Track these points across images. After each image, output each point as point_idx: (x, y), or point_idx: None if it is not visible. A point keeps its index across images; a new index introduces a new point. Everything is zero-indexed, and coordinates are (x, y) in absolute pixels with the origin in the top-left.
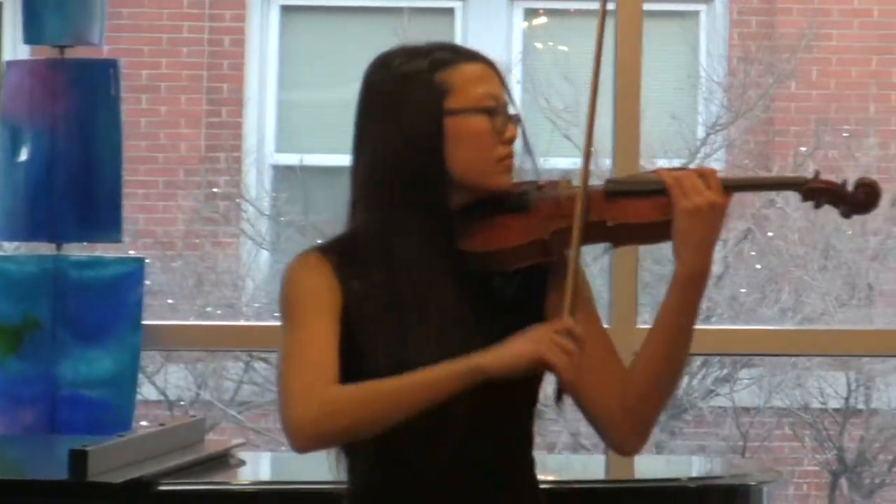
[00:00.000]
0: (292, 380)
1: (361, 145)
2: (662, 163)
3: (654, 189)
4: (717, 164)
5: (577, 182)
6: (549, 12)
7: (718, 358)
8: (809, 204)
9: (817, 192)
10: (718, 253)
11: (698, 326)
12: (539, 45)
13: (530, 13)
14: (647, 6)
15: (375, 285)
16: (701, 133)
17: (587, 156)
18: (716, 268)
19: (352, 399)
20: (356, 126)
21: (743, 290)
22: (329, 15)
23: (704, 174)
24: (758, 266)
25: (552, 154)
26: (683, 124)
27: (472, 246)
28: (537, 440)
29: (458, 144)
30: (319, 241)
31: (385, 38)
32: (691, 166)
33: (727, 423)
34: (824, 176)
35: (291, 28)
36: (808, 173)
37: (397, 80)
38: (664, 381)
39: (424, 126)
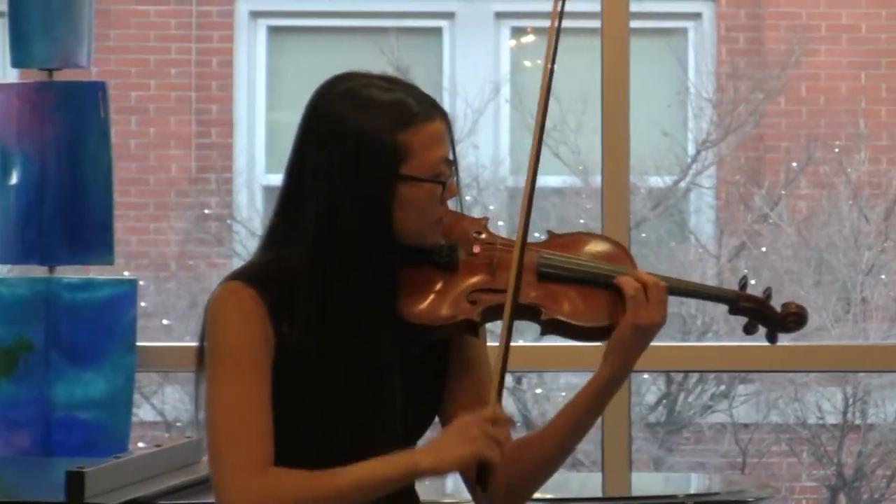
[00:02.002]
0: (228, 456)
1: (304, 179)
2: (654, 180)
3: (595, 281)
4: (709, 180)
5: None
6: (537, 30)
7: (715, 374)
8: (798, 228)
9: (745, 309)
10: (713, 269)
11: (697, 343)
12: (527, 63)
13: (518, 31)
14: (634, 24)
15: (307, 337)
16: (691, 149)
17: (524, 228)
18: (711, 284)
19: (293, 492)
20: (301, 152)
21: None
22: (316, 35)
23: (660, 288)
24: (752, 282)
25: (542, 172)
26: (674, 141)
27: (401, 311)
28: None
29: (406, 209)
30: (245, 268)
31: (372, 58)
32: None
33: (726, 439)
34: (753, 290)
35: (279, 48)
36: (825, 241)
37: (358, 132)
38: (553, 467)
39: (379, 188)
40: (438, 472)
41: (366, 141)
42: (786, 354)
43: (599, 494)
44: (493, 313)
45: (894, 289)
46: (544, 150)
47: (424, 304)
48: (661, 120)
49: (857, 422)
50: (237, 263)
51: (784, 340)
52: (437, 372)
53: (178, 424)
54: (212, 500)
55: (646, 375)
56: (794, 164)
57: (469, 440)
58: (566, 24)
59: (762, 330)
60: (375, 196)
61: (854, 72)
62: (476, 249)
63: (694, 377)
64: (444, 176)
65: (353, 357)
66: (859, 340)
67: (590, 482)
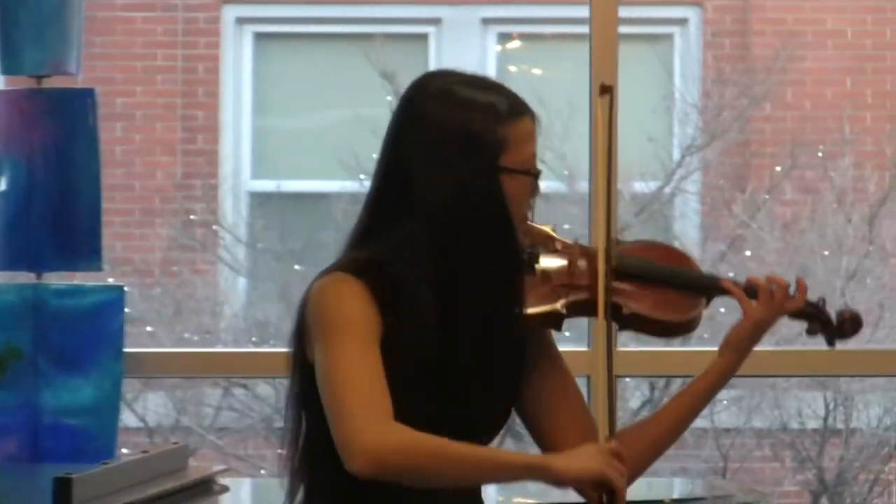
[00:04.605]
0: (355, 406)
1: (411, 179)
2: (639, 185)
3: (682, 282)
4: (693, 185)
5: (584, 241)
6: (523, 36)
7: None
8: (782, 233)
9: (804, 314)
10: None
11: (676, 348)
12: (513, 69)
13: (504, 37)
14: (622, 29)
15: (422, 334)
16: (677, 155)
17: (607, 231)
18: None
19: (421, 443)
20: (400, 151)
21: (721, 310)
22: (302, 41)
23: (785, 288)
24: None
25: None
26: (659, 146)
27: None
28: None
29: None
30: (343, 263)
31: (358, 64)
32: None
33: (707, 445)
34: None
35: (265, 55)
36: (808, 247)
37: (464, 127)
38: (661, 452)
39: (485, 180)
40: (566, 476)
41: (472, 135)
42: (767, 360)
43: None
44: (578, 308)
45: (878, 293)
46: None
47: None
48: (647, 125)
49: (840, 426)
50: (222, 269)
51: (767, 345)
52: (516, 366)
53: (160, 430)
54: None
55: (628, 380)
56: (779, 170)
57: (598, 460)
58: (554, 29)
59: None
60: (487, 188)
61: (839, 77)
62: (558, 246)
63: (676, 382)
64: (536, 172)
65: (469, 354)
66: (841, 346)
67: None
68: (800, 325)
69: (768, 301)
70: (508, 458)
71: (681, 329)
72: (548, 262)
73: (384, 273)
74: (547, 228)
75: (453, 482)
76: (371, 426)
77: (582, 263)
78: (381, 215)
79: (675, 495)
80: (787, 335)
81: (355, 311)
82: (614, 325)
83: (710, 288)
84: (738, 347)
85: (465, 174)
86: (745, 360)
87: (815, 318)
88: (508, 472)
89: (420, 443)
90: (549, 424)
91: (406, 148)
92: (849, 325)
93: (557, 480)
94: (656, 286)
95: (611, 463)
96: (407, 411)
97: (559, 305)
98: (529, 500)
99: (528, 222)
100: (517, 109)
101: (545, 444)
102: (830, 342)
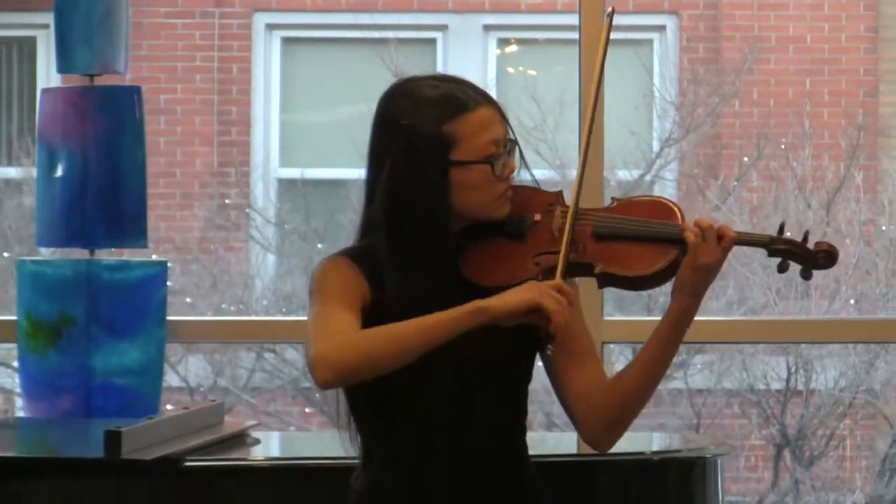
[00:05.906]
0: (316, 333)
1: (375, 173)
2: (622, 174)
3: (649, 235)
4: (671, 173)
5: (570, 201)
6: (520, 41)
7: None
8: (749, 216)
9: (780, 251)
10: None
11: (654, 318)
12: (511, 70)
13: (503, 42)
14: None
15: (393, 305)
16: (656, 147)
17: (577, 195)
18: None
19: (367, 335)
20: (371, 150)
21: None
22: (324, 45)
23: (723, 235)
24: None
25: (523, 167)
26: (640, 139)
27: (475, 277)
28: None
29: (463, 191)
30: (343, 249)
31: (374, 66)
32: (721, 219)
33: (682, 404)
34: (788, 234)
35: (291, 57)
36: (774, 228)
37: (409, 128)
38: (646, 395)
39: (432, 176)
40: (501, 312)
41: (416, 134)
42: (736, 328)
43: (574, 451)
44: (554, 272)
45: (834, 270)
46: (526, 147)
47: (497, 270)
48: (629, 120)
49: (800, 388)
50: (253, 247)
51: (736, 315)
52: (532, 336)
53: (200, 389)
54: (233, 455)
55: (612, 346)
56: (746, 160)
57: (532, 290)
58: (548, 35)
59: (796, 268)
60: (429, 183)
61: (800, 78)
62: (537, 217)
63: None
64: (494, 156)
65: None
66: (802, 316)
67: (565, 441)
68: (765, 297)
69: (701, 247)
70: (447, 314)
71: (650, 281)
72: (534, 232)
73: (371, 255)
74: (549, 195)
75: (409, 354)
76: (321, 343)
77: (563, 228)
78: (367, 206)
79: (655, 448)
80: (754, 306)
81: (336, 282)
82: (594, 281)
83: (664, 238)
84: (686, 291)
85: (409, 170)
86: (700, 300)
87: (789, 253)
88: (452, 326)
89: (362, 335)
90: (561, 379)
91: (374, 146)
92: (822, 255)
93: (496, 318)
94: (627, 243)
95: (546, 292)
96: (412, 372)
97: (534, 273)
98: None
99: (531, 191)
100: (469, 104)
101: (560, 394)
102: (806, 275)
